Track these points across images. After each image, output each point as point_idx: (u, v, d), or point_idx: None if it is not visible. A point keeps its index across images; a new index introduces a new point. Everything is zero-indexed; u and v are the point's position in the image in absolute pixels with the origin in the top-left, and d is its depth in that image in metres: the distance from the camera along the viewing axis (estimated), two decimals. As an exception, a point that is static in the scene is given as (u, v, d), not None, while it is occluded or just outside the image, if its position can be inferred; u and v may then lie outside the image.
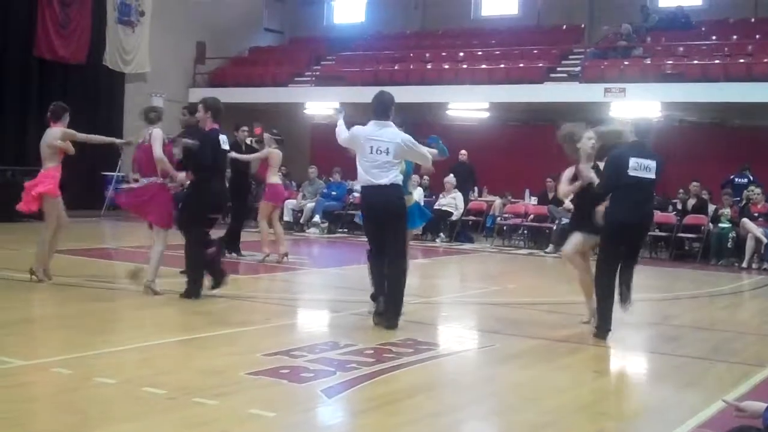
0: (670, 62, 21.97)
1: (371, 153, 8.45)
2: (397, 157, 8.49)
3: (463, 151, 21.71)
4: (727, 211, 17.53)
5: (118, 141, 12.52)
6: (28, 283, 10.14)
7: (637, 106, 21.16)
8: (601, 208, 8.68)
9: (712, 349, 8.40)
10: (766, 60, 20.65)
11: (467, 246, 19.18)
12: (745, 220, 16.88)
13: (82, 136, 10.57)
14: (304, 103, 25.68)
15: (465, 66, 24.74)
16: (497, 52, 25.43)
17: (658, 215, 16.67)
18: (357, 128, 8.70)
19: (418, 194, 20.04)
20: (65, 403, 5.50)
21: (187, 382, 6.13)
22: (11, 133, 21.36)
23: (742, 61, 21.22)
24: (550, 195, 19.45)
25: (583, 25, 26.74)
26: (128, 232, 11.25)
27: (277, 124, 26.71)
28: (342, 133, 8.82)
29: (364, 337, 8.10)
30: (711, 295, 12.69)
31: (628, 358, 8.37)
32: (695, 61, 21.70)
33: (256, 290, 11.20)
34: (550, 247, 18.15)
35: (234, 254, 13.62)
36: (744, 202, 17.77)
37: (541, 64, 23.92)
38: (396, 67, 25.44)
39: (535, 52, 24.91)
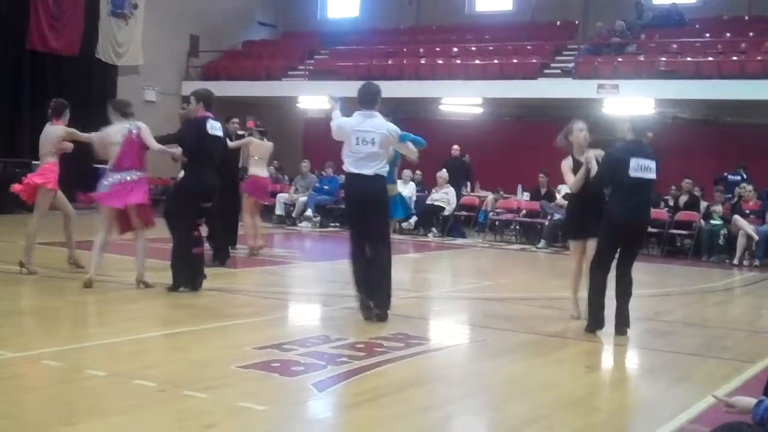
0: (664, 59, 22.00)
1: (357, 144, 8.45)
2: (383, 148, 8.48)
3: (456, 146, 21.70)
4: (718, 207, 17.57)
5: None
6: (18, 275, 10.10)
7: (630, 102, 21.18)
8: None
9: (703, 345, 8.41)
10: (759, 58, 20.69)
11: (459, 241, 19.19)
12: (736, 216, 16.92)
13: (84, 136, 10.53)
14: (297, 97, 25.68)
15: (459, 61, 24.74)
16: (491, 48, 25.43)
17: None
18: (343, 119, 8.70)
19: (410, 189, 20.10)
20: (55, 395, 5.49)
21: (177, 374, 6.11)
22: (4, 125, 21.30)
23: (735, 58, 21.26)
24: (543, 190, 19.48)
25: (577, 22, 26.76)
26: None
27: (270, 117, 26.81)
28: (335, 127, 8.79)
29: (355, 331, 8.09)
30: (702, 292, 12.71)
31: (620, 353, 8.36)
32: (689, 58, 21.73)
33: (247, 284, 11.19)
34: (542, 243, 18.17)
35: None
36: (736, 199, 17.81)
37: (534, 60, 23.92)
38: (389, 62, 25.43)
39: (529, 47, 24.92)
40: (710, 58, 21.46)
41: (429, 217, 20.07)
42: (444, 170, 20.46)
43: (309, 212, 20.82)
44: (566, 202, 18.16)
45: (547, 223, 18.52)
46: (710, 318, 10.43)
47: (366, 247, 8.61)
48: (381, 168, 8.49)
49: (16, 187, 10.60)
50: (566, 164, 9.19)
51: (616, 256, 8.57)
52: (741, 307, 12.36)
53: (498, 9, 28.92)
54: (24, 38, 21.78)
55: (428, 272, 14.50)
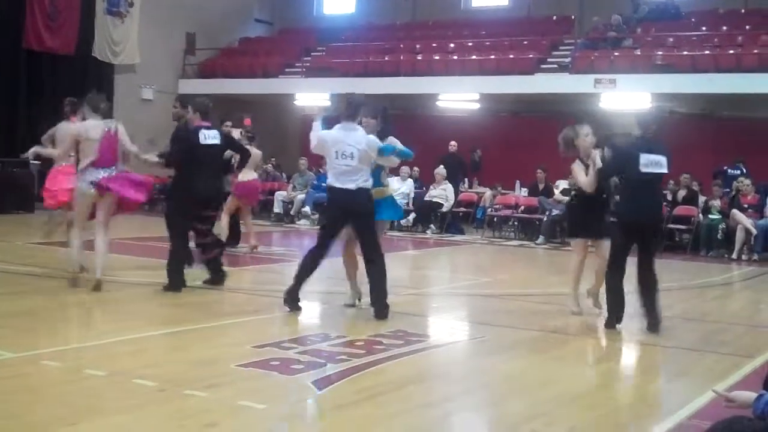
0: (660, 53, 21.98)
1: (337, 158, 8.45)
2: (363, 162, 8.44)
3: (453, 143, 21.68)
4: (717, 202, 17.57)
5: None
6: (17, 275, 10.10)
7: (627, 97, 21.18)
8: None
9: (702, 340, 8.42)
10: (755, 51, 20.68)
11: (458, 237, 19.18)
12: (734, 211, 16.92)
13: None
14: (294, 95, 25.64)
15: (455, 57, 24.71)
16: (487, 43, 25.41)
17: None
18: (324, 133, 8.69)
19: (408, 186, 20.10)
20: (56, 395, 5.49)
21: (176, 374, 6.12)
22: (0, 124, 21.27)
23: (731, 52, 21.24)
24: (541, 186, 19.48)
25: (573, 16, 26.72)
26: (118, 224, 11.20)
27: (267, 115, 26.80)
28: (313, 139, 8.78)
29: (355, 328, 8.11)
30: (701, 286, 12.72)
31: (619, 348, 8.38)
32: (685, 52, 21.71)
33: (245, 282, 11.18)
34: (541, 239, 18.17)
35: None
36: (734, 193, 17.82)
37: (531, 55, 23.90)
38: (386, 58, 25.40)
39: (526, 43, 24.90)
40: (707, 52, 21.45)
41: (427, 214, 20.06)
42: (441, 167, 20.44)
43: (307, 210, 20.80)
44: (564, 198, 18.25)
45: (545, 219, 18.53)
46: (709, 313, 10.44)
47: (327, 250, 8.67)
48: (364, 181, 8.47)
49: (61, 199, 10.56)
50: (577, 166, 9.19)
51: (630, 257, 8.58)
52: (740, 302, 12.37)
53: (494, 4, 28.89)
54: (20, 37, 21.74)
55: (427, 269, 14.50)
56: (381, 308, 8.51)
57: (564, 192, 18.75)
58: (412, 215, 20.11)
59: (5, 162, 19.41)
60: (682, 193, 18.45)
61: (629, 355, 8.15)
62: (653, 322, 8.42)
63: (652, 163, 8.32)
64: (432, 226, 19.81)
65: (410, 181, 20.47)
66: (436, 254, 16.90)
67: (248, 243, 13.61)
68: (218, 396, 5.56)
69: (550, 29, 26.25)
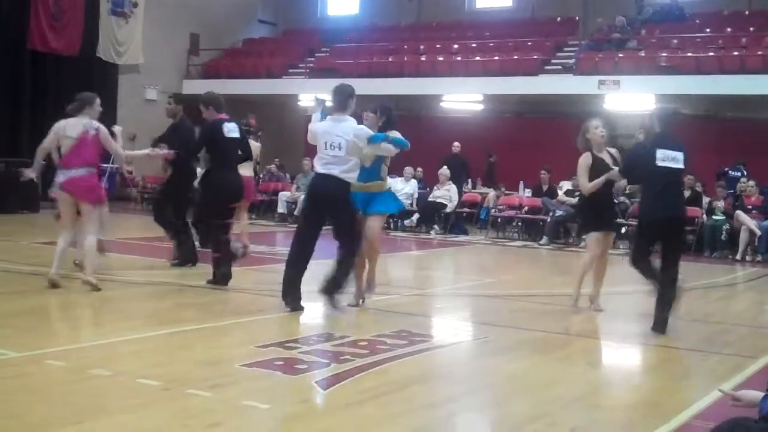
0: (665, 54, 21.99)
1: (325, 148, 8.47)
2: (351, 153, 8.43)
3: (456, 144, 21.70)
4: (720, 203, 17.56)
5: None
6: (22, 274, 10.11)
7: (631, 98, 21.18)
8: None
9: (706, 341, 8.41)
10: (759, 53, 20.68)
11: (462, 238, 19.18)
12: (738, 212, 16.90)
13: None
14: (298, 95, 25.69)
15: (459, 58, 24.73)
16: (491, 44, 25.44)
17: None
18: (316, 124, 8.72)
19: (411, 186, 20.10)
20: (60, 395, 5.49)
21: (181, 373, 6.12)
22: (4, 125, 21.31)
23: (735, 53, 21.25)
24: (545, 187, 19.47)
25: (577, 18, 26.75)
26: (119, 223, 11.24)
27: (271, 116, 26.82)
28: (309, 131, 8.82)
29: (358, 328, 8.11)
30: (705, 287, 12.69)
31: (622, 349, 8.37)
32: (689, 54, 21.73)
33: (249, 282, 11.18)
34: (544, 239, 18.16)
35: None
36: (738, 193, 17.80)
37: (535, 56, 23.92)
38: (390, 59, 25.42)
39: (530, 44, 24.91)
40: (711, 54, 21.45)
41: (431, 215, 20.05)
42: (445, 167, 20.44)
43: (310, 210, 20.75)
44: (569, 199, 18.27)
45: (549, 220, 18.52)
46: (713, 314, 10.42)
47: (308, 249, 8.71)
48: (348, 172, 8.46)
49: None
50: (584, 162, 9.22)
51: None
52: (743, 303, 12.35)
53: (498, 5, 28.93)
54: (24, 38, 21.79)
55: (430, 269, 14.50)
56: (331, 296, 8.59)
57: (568, 193, 18.85)
58: (416, 216, 20.12)
59: (9, 162, 19.41)
60: (686, 194, 18.41)
61: (632, 356, 8.14)
62: (660, 321, 8.41)
63: (669, 158, 8.32)
64: (436, 226, 19.81)
65: (414, 181, 20.47)
66: (440, 255, 16.89)
67: (241, 242, 13.51)
68: (222, 396, 5.57)
69: (554, 30, 26.27)
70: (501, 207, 20.38)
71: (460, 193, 20.64)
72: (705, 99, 21.82)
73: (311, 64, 26.97)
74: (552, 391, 6.24)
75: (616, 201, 9.46)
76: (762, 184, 18.18)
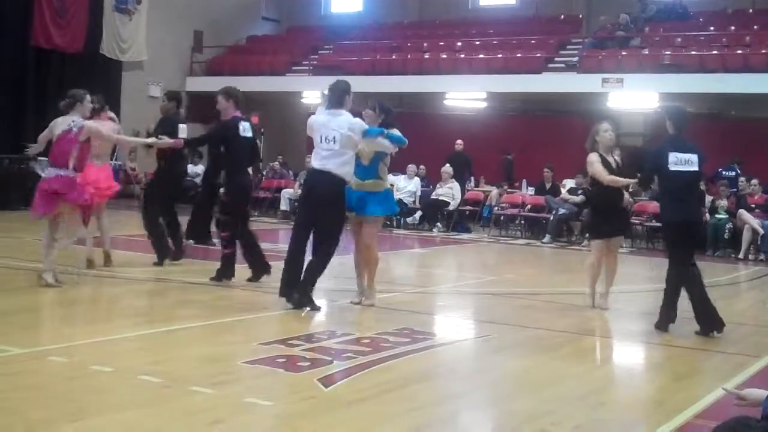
0: (668, 53, 21.97)
1: (321, 142, 8.49)
2: (345, 146, 8.44)
3: (459, 141, 21.69)
4: (723, 202, 17.54)
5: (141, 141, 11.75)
6: (25, 271, 10.12)
7: (634, 96, 21.15)
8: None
9: (709, 340, 8.39)
10: (763, 51, 20.65)
11: (464, 236, 19.16)
12: (741, 211, 16.89)
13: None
14: (302, 92, 25.65)
15: (463, 56, 24.71)
16: (495, 42, 25.41)
17: (654, 206, 16.63)
18: (312, 117, 8.76)
19: (414, 184, 20.10)
20: (62, 391, 5.49)
21: (183, 370, 6.13)
22: (8, 122, 21.30)
23: (739, 51, 21.21)
24: (548, 185, 19.46)
25: (581, 15, 26.72)
26: (120, 220, 11.25)
27: (274, 113, 26.82)
28: (309, 124, 8.84)
29: (361, 326, 8.11)
30: (708, 286, 12.59)
31: (626, 348, 8.38)
32: (693, 52, 21.69)
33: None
34: (547, 238, 18.15)
35: (192, 241, 13.42)
36: (740, 192, 17.79)
37: (538, 54, 23.90)
38: (393, 57, 25.40)
39: (533, 42, 24.89)
40: (715, 52, 21.42)
41: (434, 212, 20.04)
42: (448, 165, 20.43)
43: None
44: (572, 197, 18.25)
45: (552, 218, 18.50)
46: (715, 312, 10.39)
47: (303, 245, 8.68)
48: (342, 167, 8.45)
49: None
50: (597, 158, 9.20)
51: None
52: (746, 302, 12.33)
53: (502, 3, 28.91)
54: (28, 35, 21.77)
55: (433, 267, 14.49)
56: (303, 296, 8.54)
57: (571, 191, 18.83)
58: (419, 213, 20.12)
59: (13, 159, 19.43)
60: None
61: (635, 354, 8.14)
62: (665, 320, 8.41)
63: (682, 161, 8.29)
64: (438, 224, 19.79)
65: (417, 179, 20.47)
66: (443, 252, 16.89)
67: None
68: (224, 393, 5.57)
69: (557, 28, 26.24)
70: (504, 205, 20.36)
71: (463, 190, 20.63)
72: (709, 97, 21.77)
73: (315, 62, 26.95)
74: (555, 389, 6.24)
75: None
76: (765, 183, 18.16)
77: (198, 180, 21.81)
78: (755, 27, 22.99)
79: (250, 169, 12.74)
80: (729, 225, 17.02)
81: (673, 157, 8.28)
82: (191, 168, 23.81)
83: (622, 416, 5.80)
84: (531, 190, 20.79)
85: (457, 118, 25.83)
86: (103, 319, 8.34)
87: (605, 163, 9.22)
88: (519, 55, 24.04)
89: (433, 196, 20.18)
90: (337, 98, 8.64)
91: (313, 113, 9.04)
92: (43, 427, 4.80)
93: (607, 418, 5.68)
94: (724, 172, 19.46)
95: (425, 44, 26.15)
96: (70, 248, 9.61)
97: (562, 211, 18.34)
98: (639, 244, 17.83)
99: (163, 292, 9.55)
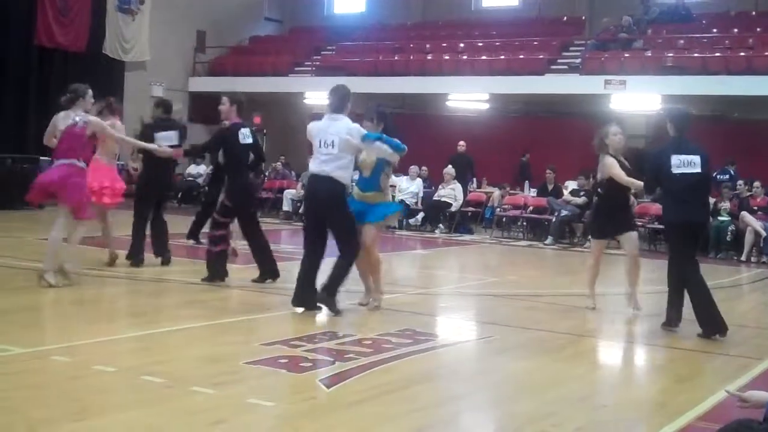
0: (671, 55, 21.97)
1: (320, 146, 8.47)
2: (344, 151, 8.41)
3: (462, 143, 21.68)
4: (726, 204, 17.54)
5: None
6: (27, 270, 10.12)
7: (637, 98, 21.15)
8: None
9: (711, 342, 8.38)
10: (766, 53, 20.64)
11: (466, 237, 19.16)
12: (744, 213, 16.89)
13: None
14: (304, 93, 25.67)
15: (465, 57, 24.71)
16: (498, 44, 25.41)
17: (657, 208, 16.62)
18: (312, 123, 8.76)
19: (417, 185, 20.09)
20: (64, 390, 5.50)
21: (185, 370, 6.13)
22: (11, 121, 21.32)
23: (742, 54, 21.21)
24: (550, 187, 19.45)
25: (583, 17, 26.72)
26: (124, 220, 11.24)
27: (277, 113, 26.83)
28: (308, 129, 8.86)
29: (363, 327, 8.10)
30: (710, 288, 12.66)
31: (628, 349, 8.37)
32: (696, 54, 21.69)
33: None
34: (549, 239, 18.14)
35: (192, 241, 13.47)
36: (743, 195, 17.78)
37: (541, 56, 23.90)
38: (396, 58, 25.41)
39: (536, 43, 24.90)
40: (717, 54, 21.41)
41: (436, 214, 20.04)
42: (450, 166, 20.42)
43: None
44: (574, 199, 18.25)
45: (554, 220, 18.50)
46: (718, 314, 10.39)
47: (316, 258, 8.61)
48: (341, 171, 8.42)
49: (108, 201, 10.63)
50: (612, 161, 9.18)
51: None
52: (748, 304, 12.33)
53: (504, 5, 28.91)
54: (31, 34, 21.80)
55: (435, 268, 14.49)
56: (329, 299, 8.48)
57: (573, 193, 18.83)
58: (421, 215, 20.12)
59: (15, 158, 19.44)
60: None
61: (637, 356, 8.14)
62: (671, 319, 8.41)
63: (685, 163, 8.26)
64: (441, 225, 19.79)
65: (419, 180, 20.46)
66: (445, 254, 16.88)
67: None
68: (226, 393, 5.57)
69: (560, 30, 26.25)
70: (506, 206, 20.36)
71: (465, 192, 20.63)
72: (711, 99, 21.76)
73: (317, 62, 26.97)
74: (557, 390, 6.24)
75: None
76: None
77: (200, 180, 21.89)
78: (758, 29, 22.97)
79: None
80: (731, 227, 17.01)
81: (675, 159, 8.26)
82: (193, 168, 23.91)
83: (624, 418, 5.79)
84: (533, 192, 20.78)
85: (460, 120, 25.83)
86: (106, 318, 8.33)
87: (621, 166, 9.20)
88: (521, 56, 24.04)
89: (435, 198, 20.18)
90: (337, 103, 8.63)
91: (317, 114, 9.05)
92: (45, 427, 4.80)
93: (608, 420, 5.67)
94: (719, 176, 19.45)
95: (428, 45, 26.15)
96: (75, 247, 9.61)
97: (564, 212, 18.33)
98: (641, 246, 17.77)
99: (166, 292, 9.55)
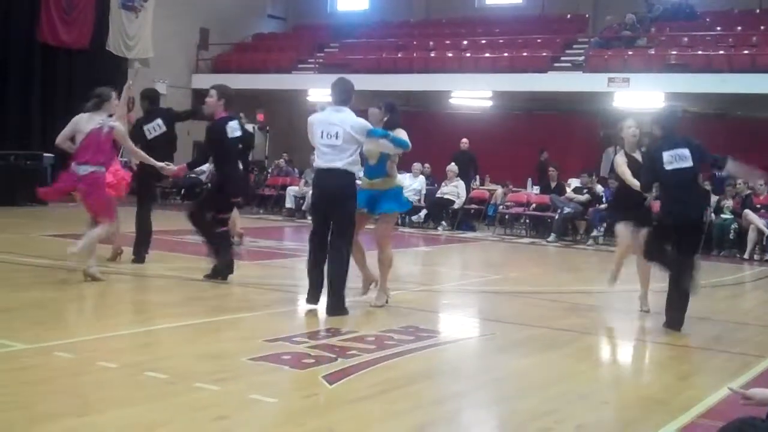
0: (674, 52, 21.96)
1: (322, 137, 8.36)
2: (347, 143, 8.32)
3: (465, 140, 21.69)
4: (729, 202, 17.53)
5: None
6: (31, 266, 10.14)
7: (640, 96, 21.14)
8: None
9: (714, 339, 8.40)
10: (770, 51, 20.62)
11: (469, 234, 19.18)
12: (747, 211, 16.89)
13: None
14: (307, 90, 25.67)
15: (468, 54, 24.72)
16: (501, 41, 25.41)
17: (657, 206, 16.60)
18: (313, 115, 8.67)
19: (419, 182, 20.11)
20: (67, 386, 5.51)
21: (187, 367, 6.13)
22: (15, 118, 21.33)
23: (746, 52, 21.20)
24: (553, 184, 19.46)
25: (587, 15, 26.71)
26: (127, 218, 11.25)
27: (280, 111, 26.84)
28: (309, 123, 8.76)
29: (366, 324, 8.11)
30: (713, 286, 12.67)
31: (630, 347, 8.38)
32: (699, 52, 21.67)
33: (256, 276, 11.19)
34: (552, 237, 18.15)
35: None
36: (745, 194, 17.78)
37: (544, 54, 23.89)
38: (399, 55, 25.42)
39: (539, 41, 24.89)
40: (721, 52, 21.40)
41: (438, 211, 20.06)
42: (453, 164, 20.44)
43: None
44: (576, 196, 18.25)
45: (557, 217, 18.50)
46: (720, 312, 10.39)
47: (324, 255, 8.49)
48: (349, 162, 8.36)
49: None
50: (622, 159, 9.16)
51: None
52: (751, 302, 12.34)
53: (508, 2, 28.91)
54: (35, 31, 21.79)
55: (438, 265, 14.50)
56: (335, 302, 8.36)
57: (576, 190, 18.83)
58: (424, 212, 20.13)
59: (19, 155, 19.46)
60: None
61: (640, 353, 8.14)
62: (674, 319, 8.40)
63: (676, 158, 8.25)
64: (443, 222, 19.81)
65: (422, 177, 20.48)
66: (448, 251, 16.90)
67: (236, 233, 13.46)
68: (229, 389, 5.57)
69: (563, 27, 26.24)
70: (509, 204, 20.36)
71: (468, 189, 20.64)
72: (715, 97, 21.75)
73: (321, 60, 26.97)
74: (559, 387, 6.24)
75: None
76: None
77: (203, 177, 21.90)
78: (762, 27, 22.97)
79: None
80: (734, 225, 17.01)
81: (666, 156, 8.26)
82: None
83: (626, 415, 5.80)
84: (536, 189, 20.79)
85: (463, 117, 25.83)
86: (109, 314, 8.34)
87: (632, 161, 9.13)
88: (525, 54, 24.03)
89: (438, 195, 20.20)
90: (340, 95, 8.58)
91: (319, 109, 8.98)
92: (49, 422, 4.80)
93: (610, 417, 5.68)
94: (717, 174, 19.42)
95: (431, 43, 26.14)
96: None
97: (567, 210, 18.34)
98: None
99: (169, 288, 9.55)
